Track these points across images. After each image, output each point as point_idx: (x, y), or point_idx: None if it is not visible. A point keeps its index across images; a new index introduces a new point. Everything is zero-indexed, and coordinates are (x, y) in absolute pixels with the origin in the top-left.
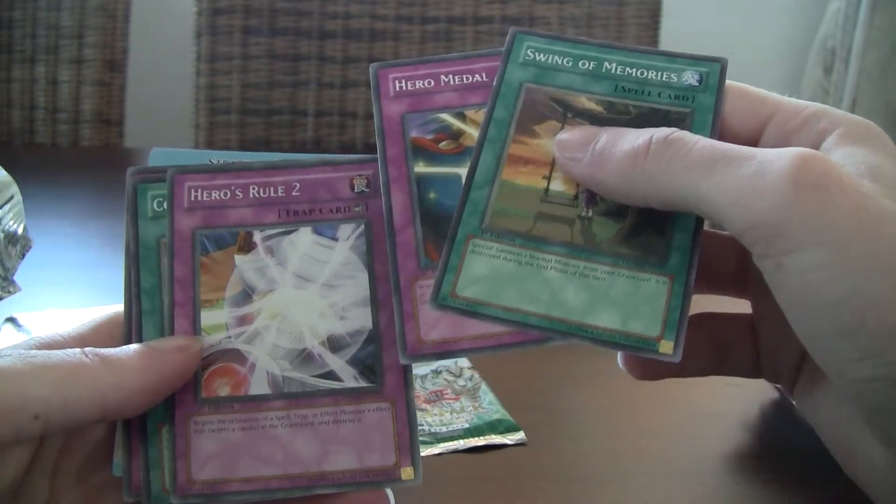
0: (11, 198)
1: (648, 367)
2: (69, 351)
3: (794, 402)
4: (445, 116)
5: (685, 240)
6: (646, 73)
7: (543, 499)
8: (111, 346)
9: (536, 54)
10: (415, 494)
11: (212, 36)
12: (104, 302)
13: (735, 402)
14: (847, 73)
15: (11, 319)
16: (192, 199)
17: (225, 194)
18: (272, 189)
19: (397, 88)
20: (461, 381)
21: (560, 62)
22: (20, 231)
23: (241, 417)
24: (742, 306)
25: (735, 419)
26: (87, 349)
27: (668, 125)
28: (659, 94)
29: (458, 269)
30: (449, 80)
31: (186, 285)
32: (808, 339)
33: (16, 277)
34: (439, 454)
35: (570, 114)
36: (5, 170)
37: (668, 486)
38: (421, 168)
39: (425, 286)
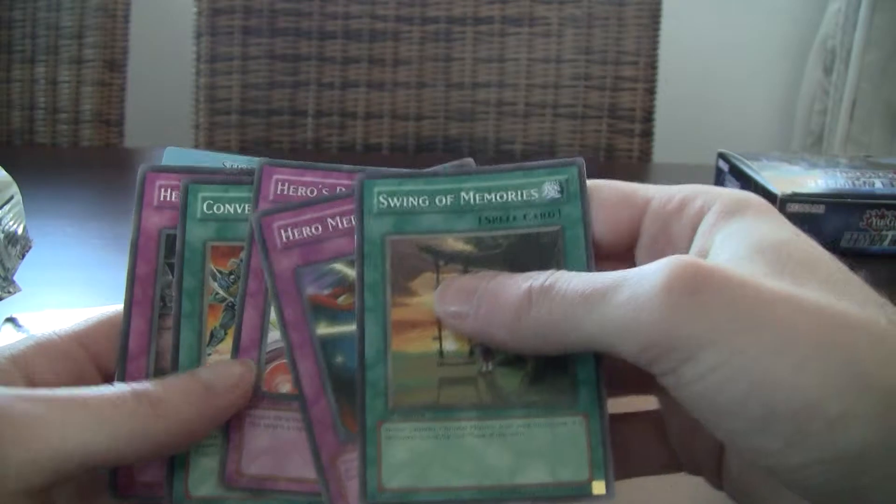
0: (11, 198)
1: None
2: (119, 390)
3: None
4: (340, 266)
5: (589, 373)
6: (506, 196)
7: None
8: (109, 347)
9: (390, 199)
10: None
11: (212, 36)
12: (104, 302)
13: None
14: (847, 73)
15: (11, 319)
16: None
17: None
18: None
19: (285, 239)
20: None
21: (417, 203)
22: (20, 231)
23: (295, 416)
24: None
25: None
26: (136, 388)
27: (541, 249)
28: (524, 217)
29: (377, 461)
30: (337, 224)
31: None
32: (728, 441)
33: (16, 277)
34: None
35: (441, 261)
36: (5, 170)
37: (668, 486)
38: (323, 329)
39: (349, 461)
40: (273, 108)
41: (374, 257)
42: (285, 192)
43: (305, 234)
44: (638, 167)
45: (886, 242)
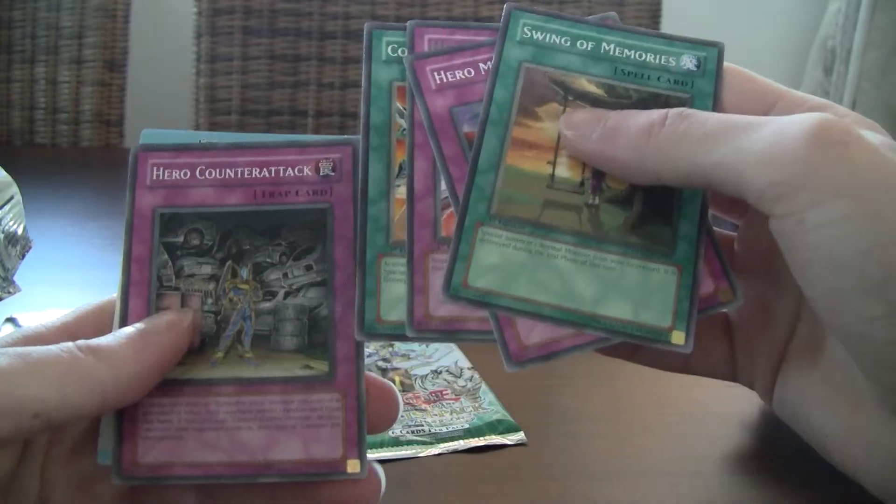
0: (11, 198)
1: (643, 353)
2: (62, 346)
3: (770, 405)
4: None
5: (691, 230)
6: (644, 56)
7: (543, 499)
8: (96, 335)
9: (534, 32)
10: (415, 494)
11: (212, 36)
12: None
13: (735, 402)
14: (847, 73)
15: (11, 319)
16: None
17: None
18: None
19: (439, 81)
20: (461, 382)
21: (558, 41)
22: (20, 231)
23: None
24: None
25: (735, 419)
26: (79, 342)
27: (667, 108)
28: (658, 79)
29: (468, 258)
30: (489, 68)
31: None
32: (827, 302)
33: (16, 277)
34: (439, 454)
35: (570, 96)
36: (5, 170)
37: (668, 486)
38: None
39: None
40: (273, 108)
41: (507, 78)
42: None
43: (458, 77)
44: None
45: None
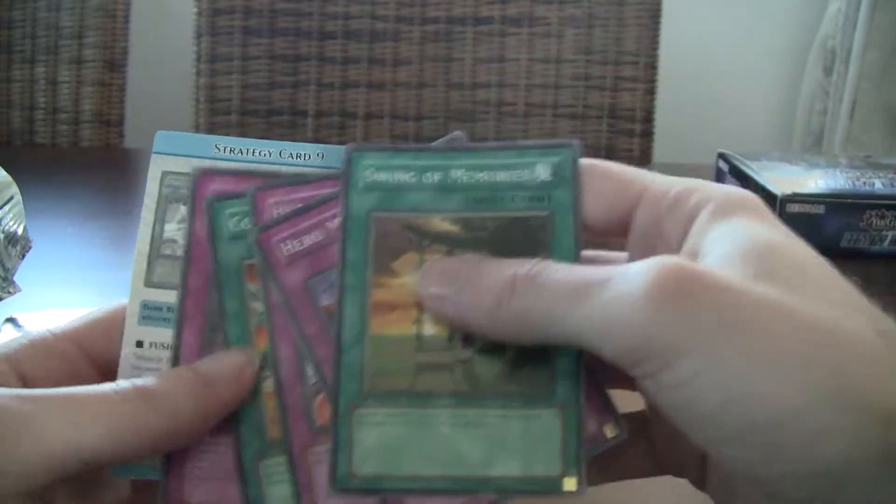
0: (11, 198)
1: None
2: (117, 387)
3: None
4: None
5: (569, 365)
6: (496, 176)
7: (543, 498)
8: (106, 345)
9: (378, 174)
10: None
11: (212, 36)
12: (104, 302)
13: None
14: (847, 73)
15: (11, 320)
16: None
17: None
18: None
19: (287, 252)
20: None
21: (405, 179)
22: (20, 231)
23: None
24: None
25: None
26: (135, 384)
27: (529, 234)
28: (513, 199)
29: (349, 445)
30: (336, 224)
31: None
32: (708, 448)
33: (16, 278)
34: None
35: (426, 241)
36: (5, 170)
37: (668, 487)
38: None
39: (319, 453)
40: (273, 109)
41: (358, 234)
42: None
43: (308, 243)
44: (638, 167)
45: (886, 242)
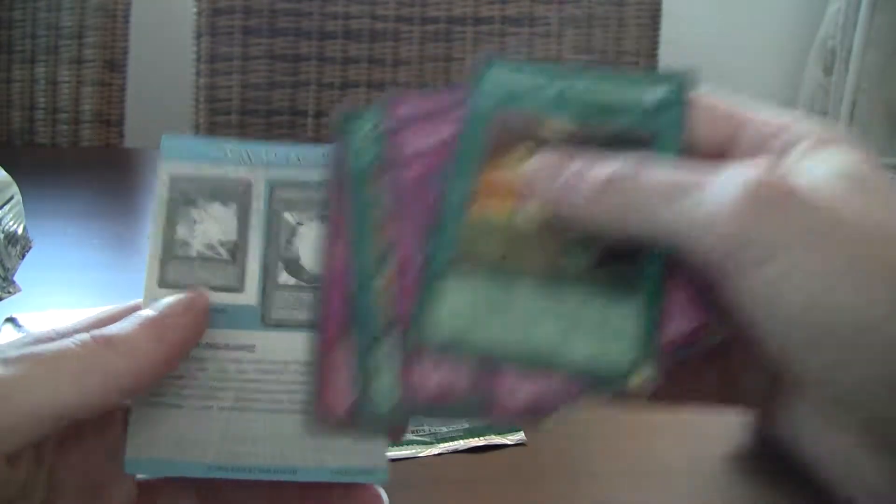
0: (11, 198)
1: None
2: (76, 338)
3: (769, 432)
4: None
5: (655, 269)
6: (610, 95)
7: (543, 498)
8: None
9: (505, 78)
10: (415, 494)
11: (212, 36)
12: (104, 302)
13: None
14: (847, 73)
15: (11, 320)
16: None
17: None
18: None
19: (411, 151)
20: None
21: (530, 85)
22: (20, 231)
23: None
24: None
25: (735, 419)
26: (93, 333)
27: (635, 147)
28: (624, 115)
29: (430, 311)
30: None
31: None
32: (786, 355)
33: (16, 278)
34: (439, 454)
35: (540, 138)
36: (5, 170)
37: (668, 486)
38: None
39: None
40: (273, 108)
41: (477, 127)
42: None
43: (433, 143)
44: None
45: None
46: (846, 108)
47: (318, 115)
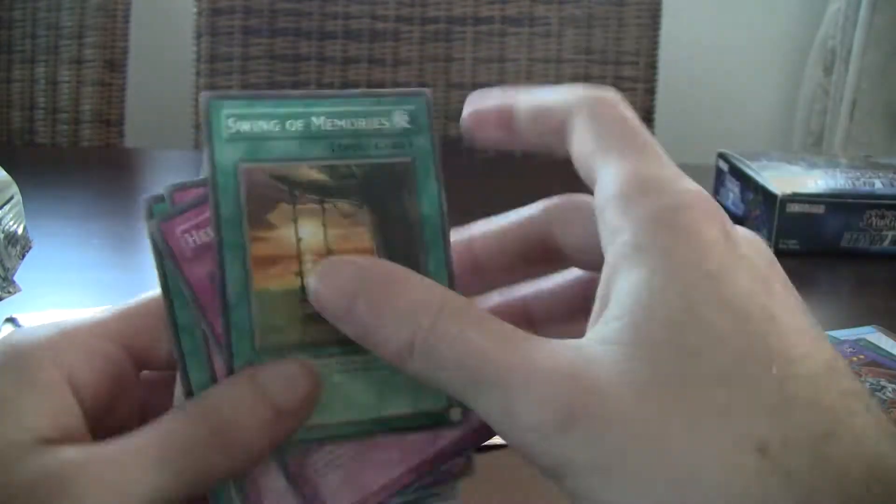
0: (11, 198)
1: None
2: (180, 426)
3: None
4: None
5: None
6: (356, 123)
7: (543, 498)
8: (147, 342)
9: (241, 123)
10: None
11: (212, 36)
12: (104, 302)
13: None
14: (847, 73)
15: (11, 319)
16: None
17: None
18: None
19: (193, 245)
20: None
21: (268, 128)
22: (20, 231)
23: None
24: None
25: None
26: (202, 417)
27: (394, 179)
28: (376, 146)
29: None
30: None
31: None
32: None
33: (16, 278)
34: None
35: (296, 191)
36: (5, 170)
37: None
38: None
39: None
40: None
41: (228, 188)
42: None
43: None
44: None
45: (886, 242)
46: (846, 108)
47: None
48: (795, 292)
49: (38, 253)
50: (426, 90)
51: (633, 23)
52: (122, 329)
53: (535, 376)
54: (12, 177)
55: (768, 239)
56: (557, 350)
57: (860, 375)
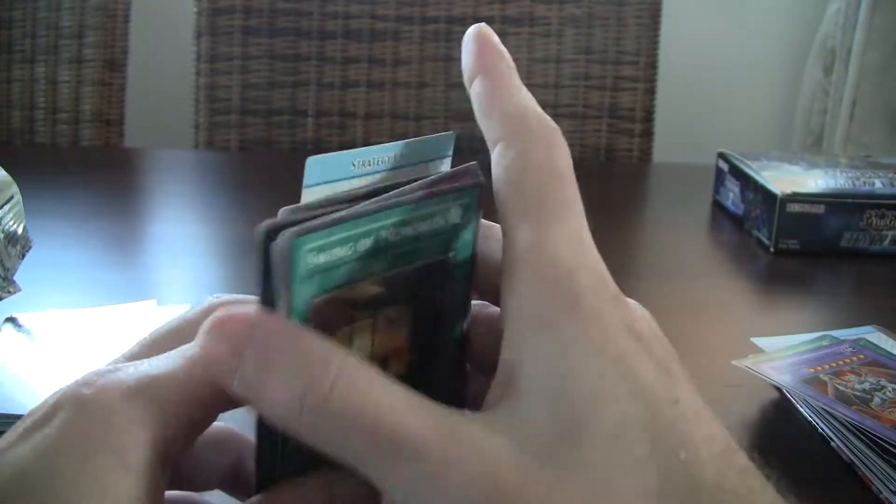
0: (11, 198)
1: None
2: None
3: None
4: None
5: None
6: (418, 227)
7: None
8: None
9: (319, 256)
10: None
11: (212, 36)
12: (104, 302)
13: (735, 401)
14: (847, 73)
15: (11, 319)
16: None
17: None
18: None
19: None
20: None
21: (342, 254)
22: (20, 231)
23: None
24: None
25: (735, 419)
26: None
27: (434, 277)
28: (428, 247)
29: None
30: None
31: None
32: None
33: (16, 277)
34: None
35: (355, 311)
36: (5, 170)
37: None
38: None
39: None
40: (273, 108)
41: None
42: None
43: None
44: (638, 167)
45: (886, 242)
46: (846, 107)
47: (319, 114)
48: (677, 357)
49: (38, 253)
50: (482, 179)
51: (633, 22)
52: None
53: (461, 455)
54: (12, 176)
55: (768, 239)
56: (476, 435)
57: (860, 375)
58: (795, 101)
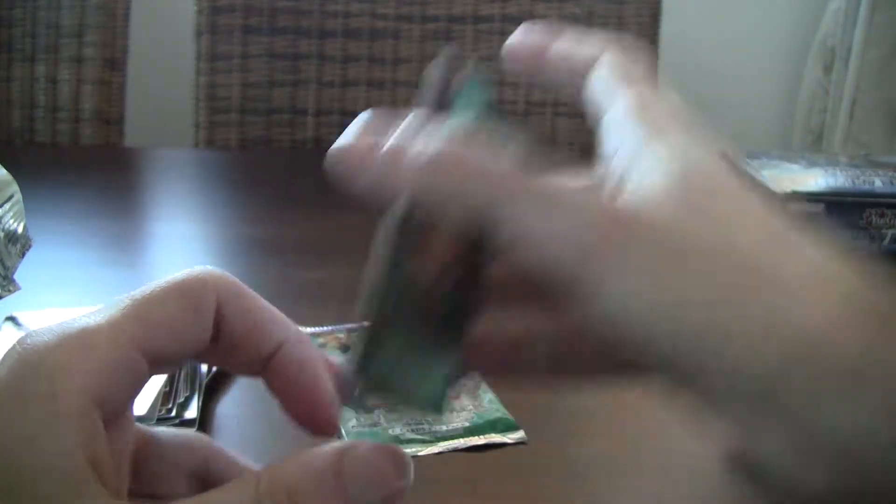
0: (11, 197)
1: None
2: None
3: None
4: None
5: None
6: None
7: (543, 497)
8: (164, 342)
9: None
10: (415, 492)
11: (212, 35)
12: (104, 301)
13: None
14: (847, 72)
15: (11, 318)
16: None
17: None
18: None
19: None
20: (461, 380)
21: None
22: (20, 230)
23: None
24: None
25: None
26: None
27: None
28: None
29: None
30: None
31: None
32: (640, 351)
33: (16, 276)
34: (439, 453)
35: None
36: (5, 168)
37: (668, 486)
38: None
39: None
40: (273, 107)
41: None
42: None
43: None
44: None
45: (886, 241)
46: (846, 106)
47: (319, 113)
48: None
49: (38, 251)
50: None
51: (633, 22)
52: (140, 333)
53: (581, 201)
54: (12, 175)
55: None
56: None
57: None
58: (795, 100)
